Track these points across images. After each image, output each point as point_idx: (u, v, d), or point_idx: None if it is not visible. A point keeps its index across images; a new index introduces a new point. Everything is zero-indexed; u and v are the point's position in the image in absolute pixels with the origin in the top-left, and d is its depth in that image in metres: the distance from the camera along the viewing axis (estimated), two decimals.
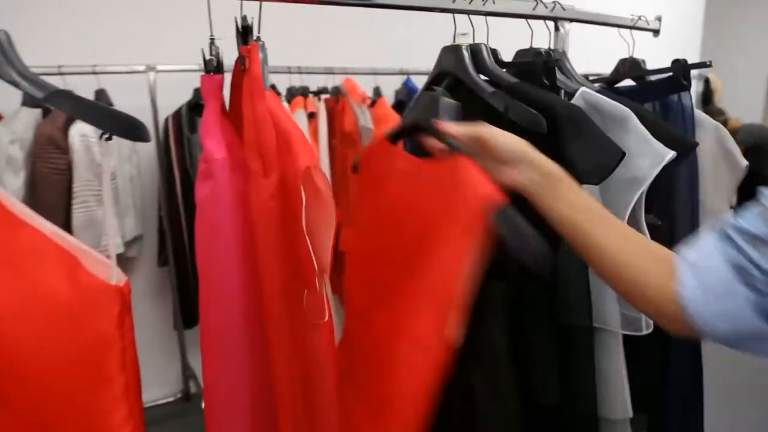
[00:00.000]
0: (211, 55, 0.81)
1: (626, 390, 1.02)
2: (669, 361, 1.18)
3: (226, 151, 0.78)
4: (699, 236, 0.63)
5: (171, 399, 2.53)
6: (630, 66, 1.28)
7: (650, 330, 0.98)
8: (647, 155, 0.92)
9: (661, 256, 0.64)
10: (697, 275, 0.59)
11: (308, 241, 0.66)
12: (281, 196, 0.72)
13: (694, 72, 1.16)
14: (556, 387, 0.92)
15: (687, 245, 0.63)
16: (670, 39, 1.43)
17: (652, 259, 0.64)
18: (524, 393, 0.92)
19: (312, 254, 0.66)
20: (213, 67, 0.81)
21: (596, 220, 0.67)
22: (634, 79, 1.29)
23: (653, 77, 1.22)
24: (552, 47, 1.17)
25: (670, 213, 1.14)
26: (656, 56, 1.32)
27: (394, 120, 2.06)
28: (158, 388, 2.50)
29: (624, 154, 0.80)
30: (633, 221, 0.95)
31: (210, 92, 0.81)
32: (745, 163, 1.16)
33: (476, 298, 0.83)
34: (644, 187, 0.92)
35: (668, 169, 0.93)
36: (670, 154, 0.90)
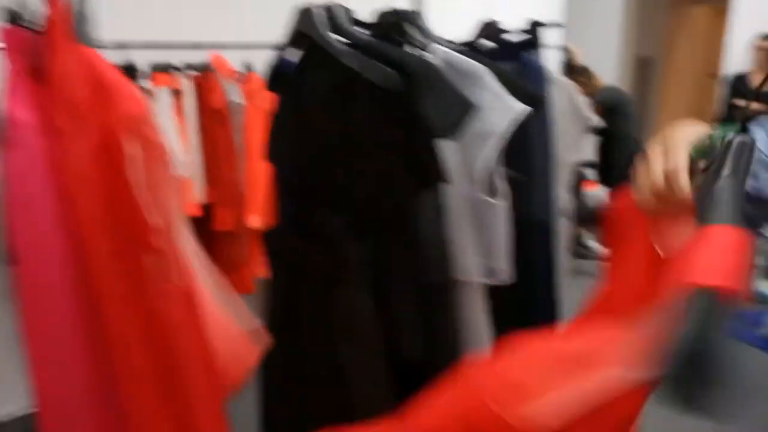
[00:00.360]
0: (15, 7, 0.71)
1: (486, 336, 1.06)
2: (534, 310, 1.25)
3: (36, 115, 0.68)
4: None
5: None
6: (489, 28, 1.33)
7: (514, 280, 1.03)
8: (500, 110, 0.95)
9: None
10: None
11: (139, 196, 0.59)
12: (103, 155, 0.64)
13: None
14: (420, 342, 0.93)
15: None
16: (532, 3, 1.49)
17: None
18: (390, 350, 0.93)
19: (146, 211, 0.60)
20: (20, 19, 0.71)
21: None
22: (493, 41, 1.34)
23: (511, 38, 1.28)
24: (411, 8, 1.17)
25: (527, 167, 1.20)
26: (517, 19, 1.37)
27: (266, 95, 1.99)
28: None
29: (475, 106, 0.82)
30: (488, 175, 0.98)
31: (15, 47, 0.70)
32: (592, 117, 1.25)
33: (336, 260, 0.81)
34: (498, 140, 0.95)
35: (522, 124, 0.98)
36: (522, 107, 0.94)
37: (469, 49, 1.25)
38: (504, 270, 1.04)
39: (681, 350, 0.38)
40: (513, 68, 1.25)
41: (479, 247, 1.03)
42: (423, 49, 1.04)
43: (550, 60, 1.45)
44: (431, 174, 0.88)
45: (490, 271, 1.04)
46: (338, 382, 0.89)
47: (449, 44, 1.12)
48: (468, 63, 0.97)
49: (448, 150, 0.95)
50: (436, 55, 0.99)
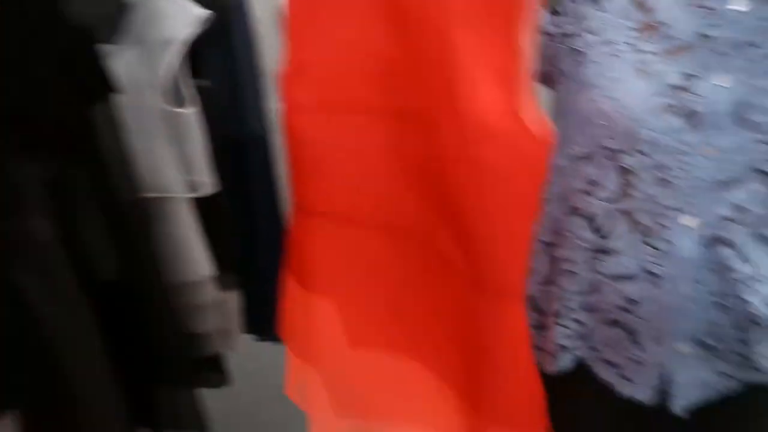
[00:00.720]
0: None
1: (202, 250, 1.07)
2: (253, 217, 1.28)
3: None
4: None
5: None
6: None
7: (216, 191, 1.03)
8: (178, 15, 0.91)
9: None
10: None
11: None
12: None
13: None
14: (113, 264, 0.91)
15: None
16: None
17: None
18: (85, 277, 0.89)
19: None
20: None
21: None
22: None
23: None
24: None
25: (232, 76, 1.18)
26: None
27: None
28: None
29: (127, 4, 0.77)
30: (178, 85, 0.95)
31: None
32: None
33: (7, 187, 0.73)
34: (180, 47, 0.91)
35: (216, 32, 0.95)
36: (203, 12, 0.91)
37: None
38: (207, 182, 1.03)
39: None
40: None
41: (177, 161, 1.01)
42: None
43: None
44: (96, 84, 0.81)
45: (193, 185, 1.03)
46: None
47: None
48: None
49: (126, 60, 0.89)
50: None
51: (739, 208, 0.61)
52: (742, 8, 0.58)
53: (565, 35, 0.68)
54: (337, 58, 0.69)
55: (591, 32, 0.65)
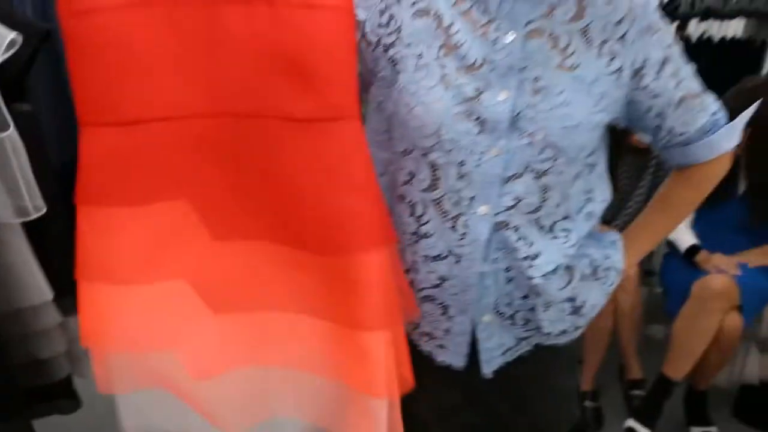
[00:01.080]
0: None
1: (38, 275, 1.06)
2: None
3: None
4: None
5: None
6: None
7: (42, 212, 1.03)
8: None
9: None
10: None
11: None
12: None
13: None
14: None
15: None
16: None
17: None
18: None
19: None
20: None
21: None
22: None
23: None
24: None
25: (61, 97, 1.18)
26: None
27: None
28: None
29: None
30: None
31: None
32: None
33: None
34: None
35: (22, 54, 0.96)
36: (12, 36, 0.92)
37: None
38: (35, 206, 1.03)
39: None
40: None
41: (2, 187, 1.00)
42: None
43: None
44: None
45: (21, 210, 1.02)
46: None
47: None
48: None
49: None
50: None
51: (518, 198, 0.76)
52: (513, 41, 0.73)
53: (385, 45, 0.79)
54: None
55: (407, 45, 0.77)
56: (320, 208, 0.73)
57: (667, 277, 2.05)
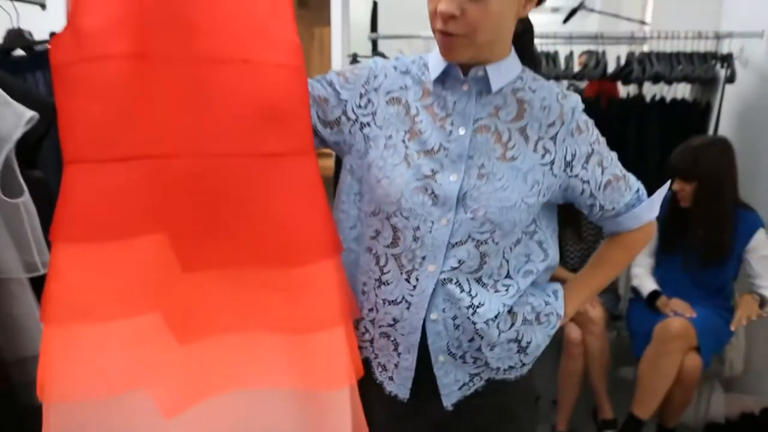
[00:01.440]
0: None
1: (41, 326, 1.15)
2: None
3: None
4: None
5: None
6: (15, 37, 1.38)
7: (44, 271, 1.13)
8: (8, 117, 1.04)
9: None
10: None
11: None
12: None
13: None
14: None
15: None
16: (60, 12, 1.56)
17: None
18: None
19: None
20: None
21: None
22: (24, 49, 1.39)
23: (41, 47, 1.36)
24: None
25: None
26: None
27: None
28: None
29: None
30: (11, 177, 1.06)
31: None
32: None
33: None
34: (11, 144, 1.03)
35: (38, 129, 1.08)
36: (30, 114, 1.05)
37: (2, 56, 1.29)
38: (44, 262, 1.13)
39: None
40: (43, 77, 1.33)
41: (13, 245, 1.10)
42: None
43: None
44: None
45: (29, 266, 1.12)
46: None
47: None
48: None
49: None
50: None
51: (461, 261, 0.89)
52: (464, 134, 0.89)
53: (361, 123, 0.94)
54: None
55: (379, 126, 0.93)
56: (282, 227, 0.84)
57: (632, 322, 2.18)
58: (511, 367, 0.96)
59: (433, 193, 0.87)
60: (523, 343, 0.95)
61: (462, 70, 0.88)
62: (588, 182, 0.93)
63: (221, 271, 0.85)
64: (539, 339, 0.96)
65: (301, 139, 0.84)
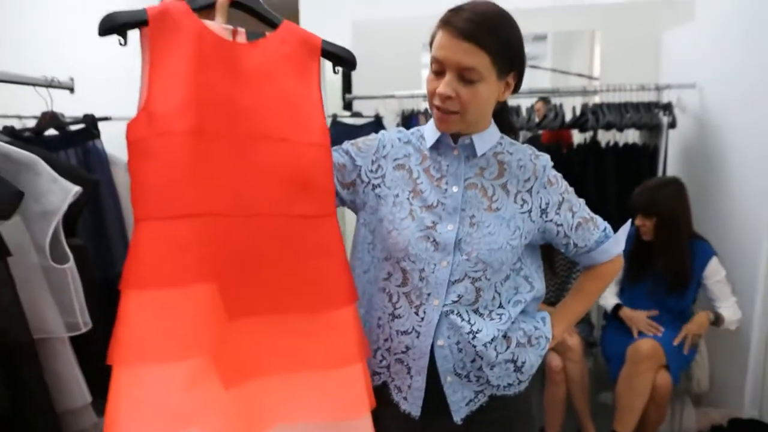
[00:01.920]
0: None
1: (81, 381, 1.25)
2: None
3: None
4: None
5: None
6: (50, 118, 1.52)
7: (89, 327, 1.24)
8: (56, 192, 1.16)
9: None
10: None
11: None
12: None
13: None
14: (5, 396, 1.06)
15: None
16: (86, 95, 1.72)
17: None
18: None
19: None
20: None
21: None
22: (56, 129, 1.53)
23: (72, 128, 1.50)
24: None
25: (103, 231, 1.43)
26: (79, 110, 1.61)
27: None
28: None
29: (22, 194, 1.02)
30: (57, 245, 1.18)
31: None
32: None
33: None
34: (58, 217, 1.16)
35: (80, 202, 1.21)
36: (76, 189, 1.18)
37: (23, 138, 1.42)
38: (83, 322, 1.24)
39: None
40: (78, 153, 1.47)
41: (58, 307, 1.21)
42: None
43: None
44: None
45: (71, 325, 1.23)
46: None
47: (2, 136, 1.28)
48: (21, 153, 1.15)
49: (14, 229, 1.12)
50: None
51: (460, 295, 1.07)
52: (457, 191, 1.08)
53: (373, 185, 1.12)
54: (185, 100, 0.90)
55: (388, 187, 1.11)
56: (311, 278, 1.00)
57: (606, 347, 2.36)
58: (509, 384, 1.12)
59: (434, 240, 1.05)
60: (519, 363, 1.11)
61: (452, 138, 1.08)
62: (561, 225, 1.11)
63: (258, 318, 0.98)
64: (532, 359, 1.13)
65: (326, 204, 1.02)
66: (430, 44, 1.02)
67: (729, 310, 2.15)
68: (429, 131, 1.11)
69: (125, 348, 0.85)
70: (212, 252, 0.92)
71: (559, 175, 1.13)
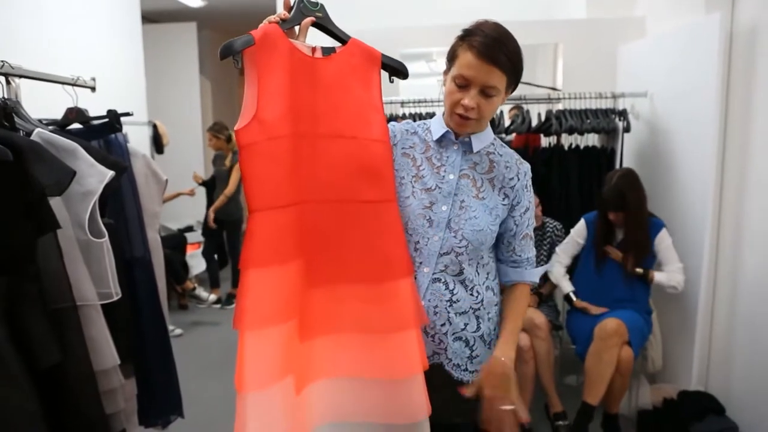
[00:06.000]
0: None
1: (111, 344, 1.40)
2: (140, 318, 1.62)
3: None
4: None
5: None
6: (76, 114, 1.67)
7: (119, 296, 1.39)
8: (94, 175, 1.32)
9: None
10: None
11: None
12: None
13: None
14: (55, 351, 1.20)
15: None
16: (108, 93, 1.87)
17: None
18: (28, 364, 1.16)
19: None
20: None
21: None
22: (81, 123, 1.68)
23: (96, 122, 1.66)
24: (6, 97, 1.43)
25: (122, 215, 1.58)
26: (100, 106, 1.76)
27: None
28: None
29: (75, 172, 1.18)
30: (93, 223, 1.33)
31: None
32: (164, 177, 1.74)
33: None
34: (95, 197, 1.31)
35: (112, 185, 1.37)
36: (110, 173, 1.33)
37: (63, 129, 1.57)
38: (116, 291, 1.39)
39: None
40: (101, 145, 1.62)
41: (92, 277, 1.36)
42: (25, 131, 1.32)
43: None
44: (46, 223, 1.18)
45: (103, 294, 1.38)
46: None
47: (46, 126, 1.43)
48: (64, 141, 1.30)
49: (59, 205, 1.27)
50: (37, 135, 1.30)
51: (446, 266, 1.27)
52: (452, 178, 1.27)
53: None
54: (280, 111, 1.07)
55: (395, 170, 1.29)
56: (376, 253, 1.18)
57: (572, 328, 2.60)
58: (458, 366, 1.29)
59: (429, 218, 1.24)
60: (474, 354, 1.30)
61: (454, 135, 1.27)
62: (517, 225, 1.30)
63: (332, 287, 1.18)
64: (483, 357, 1.30)
65: (388, 190, 1.22)
66: (450, 59, 1.21)
67: (666, 275, 2.46)
68: (436, 125, 1.30)
69: (248, 316, 1.04)
70: (300, 233, 1.12)
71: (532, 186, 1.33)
